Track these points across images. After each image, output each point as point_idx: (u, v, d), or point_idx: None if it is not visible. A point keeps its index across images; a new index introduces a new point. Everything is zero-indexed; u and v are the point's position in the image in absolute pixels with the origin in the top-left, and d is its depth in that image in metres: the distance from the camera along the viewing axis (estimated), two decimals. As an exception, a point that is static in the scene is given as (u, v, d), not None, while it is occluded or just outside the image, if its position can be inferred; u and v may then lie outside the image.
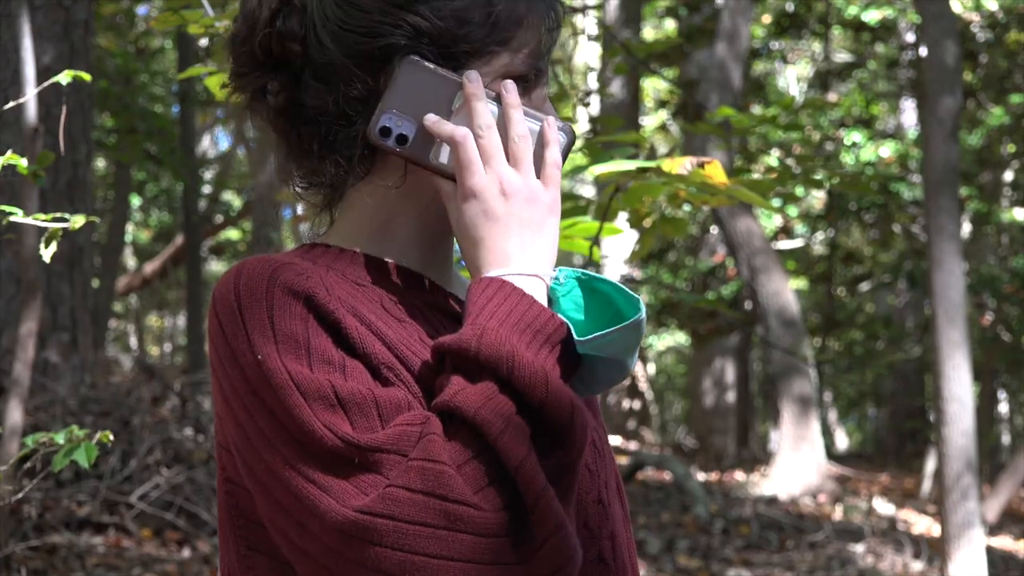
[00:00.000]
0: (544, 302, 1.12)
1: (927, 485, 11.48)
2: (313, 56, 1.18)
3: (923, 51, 7.82)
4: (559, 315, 1.11)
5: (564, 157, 1.20)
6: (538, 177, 1.16)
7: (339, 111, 1.18)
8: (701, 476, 11.05)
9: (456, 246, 1.27)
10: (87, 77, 2.33)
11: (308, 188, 1.25)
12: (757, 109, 14.15)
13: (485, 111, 1.15)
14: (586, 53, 16.43)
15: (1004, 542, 9.35)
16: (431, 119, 1.15)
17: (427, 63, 1.16)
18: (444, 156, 1.17)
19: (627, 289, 1.13)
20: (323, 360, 1.08)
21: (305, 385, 1.06)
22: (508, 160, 1.15)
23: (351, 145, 1.19)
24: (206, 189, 16.45)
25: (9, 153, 2.24)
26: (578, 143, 3.63)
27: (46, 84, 2.48)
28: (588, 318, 1.14)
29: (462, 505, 1.01)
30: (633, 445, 13.24)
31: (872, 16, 12.11)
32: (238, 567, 1.17)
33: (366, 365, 1.11)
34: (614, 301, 1.14)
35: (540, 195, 1.15)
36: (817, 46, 16.44)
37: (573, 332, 1.10)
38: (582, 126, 8.21)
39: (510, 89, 1.16)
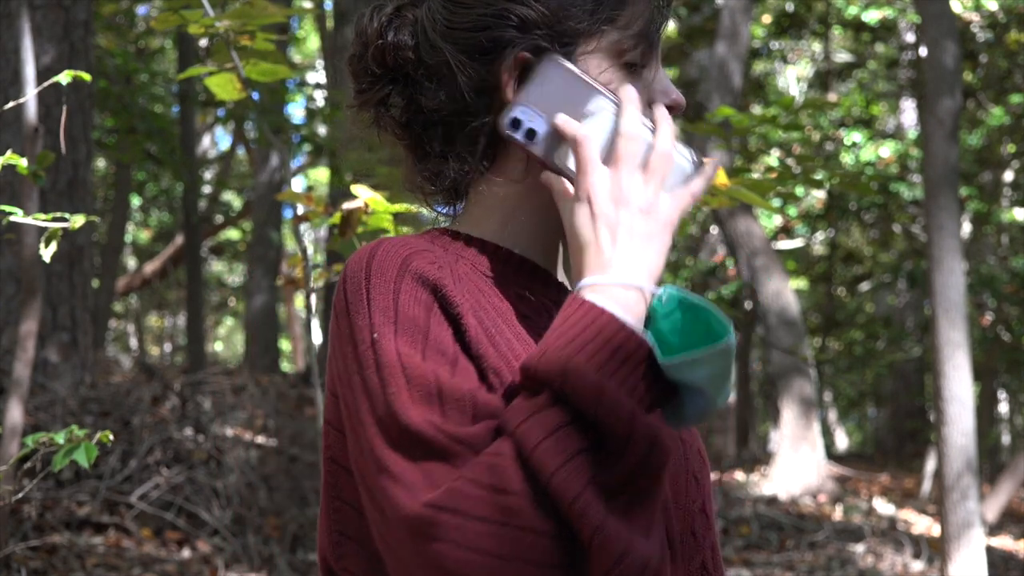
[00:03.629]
0: (638, 316, 1.08)
1: (927, 485, 11.48)
2: (425, 59, 1.21)
3: (923, 51, 7.82)
4: (644, 335, 1.06)
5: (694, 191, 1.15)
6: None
7: (456, 107, 1.20)
8: (701, 476, 11.04)
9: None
10: (87, 77, 2.33)
11: (433, 193, 1.27)
12: (757, 109, 14.16)
13: (636, 118, 1.13)
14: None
15: (1004, 542, 9.35)
16: (562, 118, 1.15)
17: (570, 64, 1.15)
18: (570, 160, 1.15)
19: (722, 314, 1.08)
20: (438, 350, 1.08)
21: (412, 370, 1.06)
22: (641, 171, 1.12)
23: (472, 139, 1.21)
24: (206, 189, 16.45)
25: (9, 153, 2.24)
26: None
27: (46, 84, 2.48)
28: (684, 342, 1.08)
29: (517, 496, 0.99)
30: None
31: (872, 16, 12.11)
32: (331, 553, 1.17)
33: (476, 367, 1.10)
34: (713, 329, 1.08)
35: (660, 209, 1.11)
36: (817, 46, 16.44)
37: (657, 352, 1.06)
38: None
39: (664, 114, 1.15)
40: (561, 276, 1.27)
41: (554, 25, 1.18)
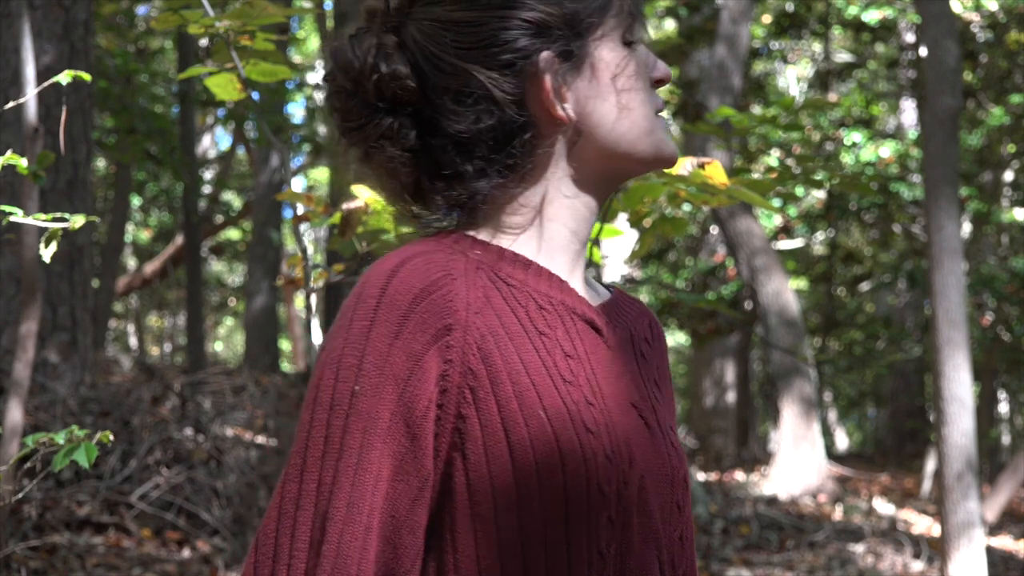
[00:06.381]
0: None
1: (927, 485, 11.48)
2: (444, 84, 1.18)
3: (923, 51, 7.82)
4: None
5: None
6: None
7: (494, 123, 1.18)
8: (701, 476, 11.05)
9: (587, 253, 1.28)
10: (87, 77, 2.33)
11: (443, 212, 1.24)
12: (757, 109, 14.15)
13: None
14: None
15: (1004, 542, 9.35)
16: None
17: None
18: None
19: None
20: (405, 419, 1.10)
21: (349, 447, 1.09)
22: None
23: (512, 152, 1.19)
24: (206, 189, 16.44)
25: (9, 153, 2.24)
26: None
27: (46, 84, 2.48)
28: None
29: None
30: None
31: (872, 16, 12.10)
32: None
33: (444, 413, 1.12)
34: None
35: None
36: (817, 46, 16.43)
37: None
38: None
39: None
40: (575, 283, 1.25)
41: (569, 22, 1.18)
